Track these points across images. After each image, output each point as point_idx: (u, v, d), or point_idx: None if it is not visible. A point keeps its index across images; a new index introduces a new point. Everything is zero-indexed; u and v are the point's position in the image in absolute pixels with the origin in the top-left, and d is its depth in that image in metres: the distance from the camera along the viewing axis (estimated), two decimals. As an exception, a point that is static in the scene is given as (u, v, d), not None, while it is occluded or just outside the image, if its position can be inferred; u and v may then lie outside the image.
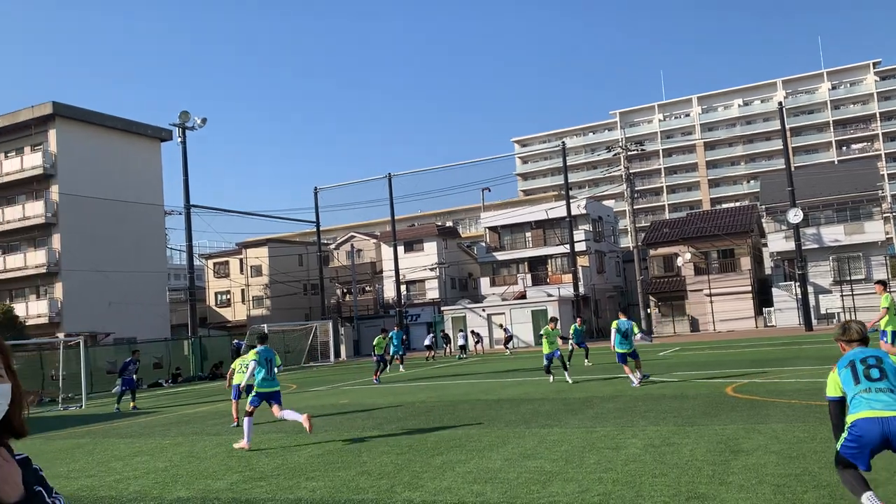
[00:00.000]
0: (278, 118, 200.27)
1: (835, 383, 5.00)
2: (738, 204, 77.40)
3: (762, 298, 48.94)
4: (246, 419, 11.10)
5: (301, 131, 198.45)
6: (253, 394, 11.24)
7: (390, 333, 29.68)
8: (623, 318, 17.51)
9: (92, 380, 29.10)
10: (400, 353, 28.11)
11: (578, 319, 25.89)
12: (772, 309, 46.56)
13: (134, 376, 22.34)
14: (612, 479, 7.09)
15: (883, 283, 14.63)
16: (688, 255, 49.56)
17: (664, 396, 13.65)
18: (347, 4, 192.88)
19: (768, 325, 46.23)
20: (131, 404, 21.71)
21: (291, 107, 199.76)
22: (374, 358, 23.85)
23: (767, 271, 51.97)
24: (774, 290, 46.62)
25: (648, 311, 50.40)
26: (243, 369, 13.89)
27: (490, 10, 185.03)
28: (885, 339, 14.28)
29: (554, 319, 20.09)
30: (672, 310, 50.84)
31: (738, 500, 6.01)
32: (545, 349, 18.77)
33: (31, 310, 45.57)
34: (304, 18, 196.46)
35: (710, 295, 48.44)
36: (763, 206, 48.83)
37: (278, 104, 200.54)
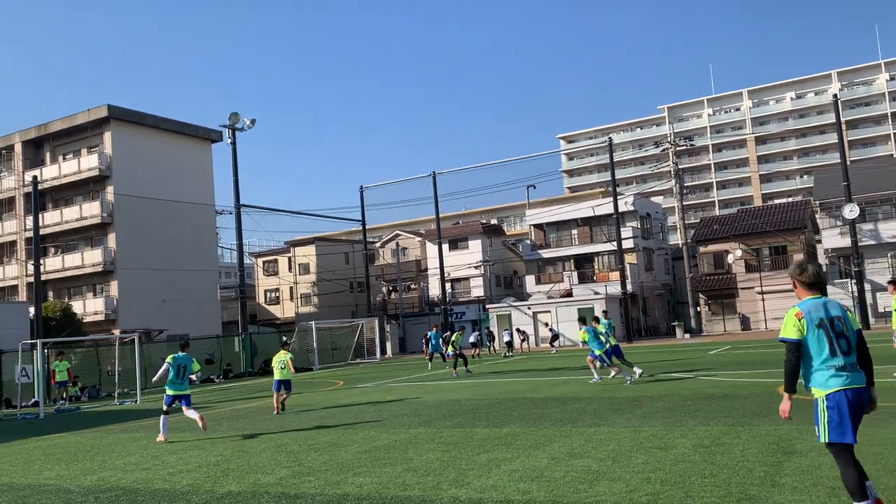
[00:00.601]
0: (325, 118, 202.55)
1: (796, 327, 4.77)
2: (790, 200, 75.64)
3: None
4: (162, 416, 12.93)
5: (347, 131, 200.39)
6: (166, 394, 13.18)
7: (429, 334, 30.38)
8: (603, 321, 18.96)
9: (146, 375, 29.87)
10: (439, 351, 28.59)
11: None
12: (826, 307, 45.30)
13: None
14: (660, 479, 7.01)
15: (895, 283, 14.41)
16: (739, 252, 48.56)
17: (714, 396, 13.42)
18: (393, 3, 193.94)
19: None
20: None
21: (338, 107, 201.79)
22: (448, 354, 26.31)
23: (822, 268, 50.60)
24: (829, 288, 45.37)
25: (698, 308, 49.55)
26: (280, 366, 16.27)
27: (535, 7, 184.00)
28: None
29: (596, 320, 19.85)
30: (722, 308, 49.89)
31: (791, 503, 5.88)
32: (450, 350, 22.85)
33: (89, 307, 46.96)
34: (349, 18, 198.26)
35: (762, 293, 47.39)
36: (817, 202, 47.55)
37: (325, 104, 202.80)
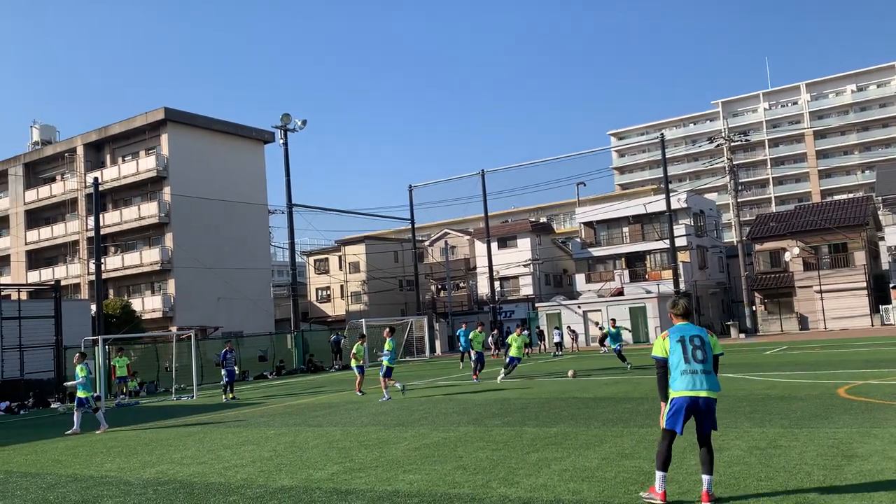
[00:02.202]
0: (375, 118, 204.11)
1: (662, 348, 6.03)
2: (851, 195, 73.26)
3: (878, 295, 46.06)
4: (76, 413, 15.39)
5: (396, 130, 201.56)
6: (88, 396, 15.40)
7: (458, 332, 29.29)
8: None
9: (202, 371, 30.56)
10: (468, 350, 27.36)
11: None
12: (889, 306, 43.77)
13: (235, 367, 23.44)
14: (714, 481, 6.87)
15: None
16: (796, 250, 47.25)
17: (770, 397, 13.10)
18: (446, 4, 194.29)
19: (885, 323, 43.52)
20: (230, 395, 22.65)
21: (387, 106, 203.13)
22: (473, 356, 22.84)
23: (885, 266, 48.90)
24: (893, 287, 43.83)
25: (753, 308, 48.42)
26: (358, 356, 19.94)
27: (588, 2, 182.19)
28: None
29: (363, 336, 22.09)
30: (779, 307, 48.65)
31: (852, 508, 5.72)
32: (514, 353, 20.59)
33: (147, 305, 48.32)
34: (400, 18, 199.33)
35: (821, 291, 46.05)
36: (879, 198, 45.99)
37: (375, 104, 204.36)
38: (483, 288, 57.67)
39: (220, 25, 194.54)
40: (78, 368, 15.60)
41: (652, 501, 6.00)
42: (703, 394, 5.81)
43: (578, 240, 56.10)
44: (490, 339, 39.46)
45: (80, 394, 15.50)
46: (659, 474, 5.97)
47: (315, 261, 67.93)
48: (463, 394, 18.08)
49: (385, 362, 18.21)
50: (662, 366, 6.03)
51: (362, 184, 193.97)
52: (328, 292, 66.46)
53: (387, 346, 18.49)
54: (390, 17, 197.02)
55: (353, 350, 20.49)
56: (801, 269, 47.48)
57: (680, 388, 5.88)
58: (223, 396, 22.60)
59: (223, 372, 23.29)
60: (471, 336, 23.46)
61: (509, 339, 21.55)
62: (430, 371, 30.04)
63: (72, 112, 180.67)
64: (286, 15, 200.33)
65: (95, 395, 15.95)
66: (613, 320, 27.46)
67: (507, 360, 21.19)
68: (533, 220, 66.51)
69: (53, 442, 14.37)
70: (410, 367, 35.61)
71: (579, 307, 48.15)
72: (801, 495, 6.17)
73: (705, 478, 5.92)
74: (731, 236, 66.35)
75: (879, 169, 52.19)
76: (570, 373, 19.74)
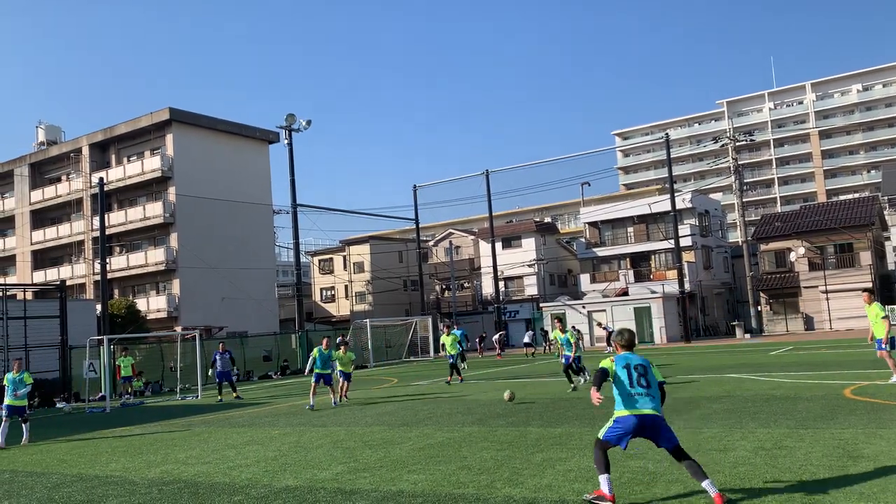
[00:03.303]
0: (379, 118, 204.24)
1: (609, 366, 6.67)
2: (856, 195, 73.06)
3: (885, 295, 45.90)
4: (3, 423, 13.96)
5: (400, 131, 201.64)
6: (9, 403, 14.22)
7: (453, 331, 28.25)
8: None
9: (207, 371, 30.60)
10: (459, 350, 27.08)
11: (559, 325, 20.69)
12: (896, 307, 43.68)
13: (231, 369, 23.35)
14: (719, 481, 6.85)
15: (870, 292, 14.58)
16: (802, 250, 47.14)
17: (775, 397, 13.07)
18: (442, 3, 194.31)
19: (892, 323, 43.33)
20: (233, 395, 22.64)
21: (391, 107, 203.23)
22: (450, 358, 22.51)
23: (891, 266, 48.76)
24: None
25: (759, 308, 48.30)
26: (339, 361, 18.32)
27: (590, 1, 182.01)
28: (885, 347, 13.81)
29: (448, 327, 20.78)
30: (784, 307, 48.53)
31: (858, 509, 5.69)
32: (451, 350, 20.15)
33: (152, 305, 48.40)
34: (404, 18, 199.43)
35: (826, 292, 45.92)
36: (885, 197, 45.87)
37: (378, 104, 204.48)
38: (487, 288, 57.65)
39: (221, 26, 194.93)
40: (25, 375, 14.48)
41: (602, 501, 6.32)
42: (647, 411, 6.35)
43: (583, 240, 56.04)
44: (495, 339, 39.43)
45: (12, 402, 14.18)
46: (603, 477, 6.36)
47: (319, 261, 67.99)
48: (467, 394, 18.07)
49: (317, 369, 17.55)
50: (604, 372, 6.62)
51: (366, 184, 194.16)
52: (332, 292, 66.51)
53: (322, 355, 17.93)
54: (391, 17, 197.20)
55: (334, 358, 18.35)
56: (807, 269, 47.36)
57: (624, 407, 6.44)
58: (219, 397, 22.60)
59: (211, 373, 23.45)
60: (446, 338, 23.06)
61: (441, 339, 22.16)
62: (434, 371, 30.03)
63: (77, 112, 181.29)
64: (288, 15, 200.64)
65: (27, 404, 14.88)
66: (559, 319, 21.66)
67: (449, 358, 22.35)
68: (537, 220, 66.48)
69: (58, 442, 14.41)
70: (415, 367, 35.60)
71: (584, 307, 48.11)
72: (807, 496, 6.15)
73: (705, 484, 6.09)
74: (736, 236, 66.16)
75: (885, 169, 52.06)
76: (505, 395, 15.01)
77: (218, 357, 23.17)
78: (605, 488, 6.32)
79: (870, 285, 44.71)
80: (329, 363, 17.84)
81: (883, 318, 14.11)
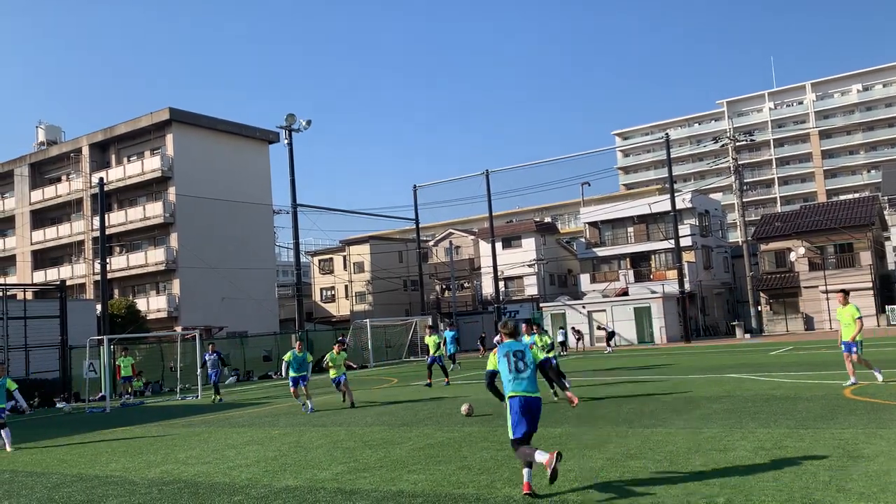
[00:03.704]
0: (379, 118, 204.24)
1: (492, 363, 7.40)
2: (856, 195, 73.05)
3: (885, 295, 45.91)
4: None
5: (400, 131, 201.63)
6: None
7: (445, 333, 27.35)
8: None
9: (198, 371, 30.58)
10: (451, 352, 26.78)
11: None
12: (896, 306, 43.69)
13: (218, 369, 23.21)
14: (719, 481, 6.86)
15: (846, 293, 14.56)
16: (801, 250, 47.14)
17: (775, 397, 13.07)
18: (442, 3, 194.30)
19: (891, 323, 43.39)
20: (216, 397, 22.56)
21: (391, 107, 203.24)
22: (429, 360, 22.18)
23: (891, 266, 48.76)
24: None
25: (759, 308, 48.31)
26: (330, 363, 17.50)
27: (589, 2, 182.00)
28: (856, 349, 13.77)
29: (341, 342, 18.62)
30: (784, 307, 48.54)
31: (858, 509, 5.69)
32: (332, 374, 17.50)
33: (152, 305, 48.39)
34: (404, 18, 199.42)
35: (826, 292, 45.90)
36: (885, 197, 45.88)
37: (378, 104, 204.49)
38: (487, 288, 57.65)
39: (221, 26, 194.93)
40: (7, 381, 13.70)
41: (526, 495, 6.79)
42: (530, 394, 7.12)
43: (583, 240, 56.05)
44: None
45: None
46: (525, 471, 6.95)
47: (320, 261, 67.98)
48: (467, 395, 18.06)
49: (293, 373, 17.09)
50: (491, 375, 7.46)
51: (366, 184, 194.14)
52: (333, 292, 66.51)
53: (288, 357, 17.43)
54: (391, 17, 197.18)
55: (328, 358, 17.76)
56: (807, 269, 47.36)
57: (511, 390, 7.14)
58: (217, 397, 22.53)
59: (201, 373, 23.41)
60: (434, 340, 22.42)
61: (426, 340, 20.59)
62: (436, 371, 29.98)
63: (77, 112, 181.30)
64: (288, 15, 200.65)
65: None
66: (529, 322, 17.72)
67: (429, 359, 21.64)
68: (537, 220, 66.48)
69: (58, 441, 14.41)
70: (415, 367, 35.60)
71: (584, 307, 48.12)
72: (807, 496, 6.14)
73: (526, 471, 6.85)
74: (736, 236, 66.14)
75: (885, 168, 52.08)
76: (463, 408, 13.45)
77: (207, 358, 23.15)
78: (526, 479, 6.93)
79: (869, 285, 44.75)
80: (305, 366, 17.20)
81: (857, 319, 14.02)
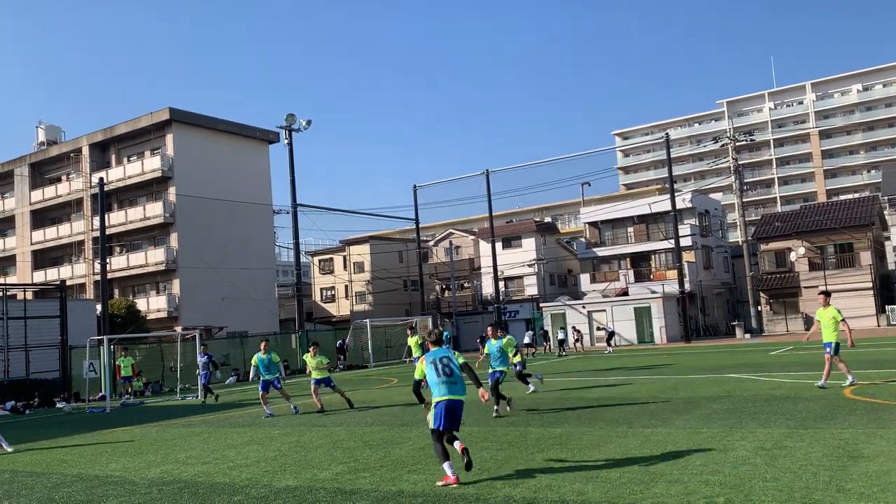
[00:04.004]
0: (379, 118, 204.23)
1: (421, 371, 8.64)
2: (856, 195, 73.05)
3: (885, 295, 45.89)
4: None
5: (400, 131, 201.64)
6: None
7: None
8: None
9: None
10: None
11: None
12: (896, 306, 43.68)
13: (209, 371, 23.16)
14: (719, 481, 6.86)
15: (827, 294, 14.62)
16: (802, 250, 47.15)
17: (775, 397, 13.07)
18: (442, 3, 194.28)
19: (891, 323, 43.39)
20: (202, 399, 22.52)
21: (391, 107, 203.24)
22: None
23: (891, 266, 48.75)
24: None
25: (759, 308, 48.31)
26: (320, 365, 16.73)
27: (589, 2, 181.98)
28: (829, 349, 13.77)
29: (315, 344, 17.50)
30: (784, 307, 48.53)
31: (858, 509, 5.69)
32: (314, 375, 16.72)
33: (152, 305, 48.38)
34: (404, 18, 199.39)
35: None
36: (885, 197, 45.88)
37: (378, 104, 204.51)
38: (487, 288, 57.65)
39: (221, 26, 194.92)
40: None
41: (448, 485, 7.47)
42: (454, 397, 7.93)
43: (583, 240, 56.04)
44: (527, 337, 39.31)
45: None
46: (446, 465, 7.64)
47: (320, 261, 67.97)
48: (466, 395, 18.05)
49: (263, 376, 16.64)
50: (417, 384, 9.13)
51: (366, 184, 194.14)
52: (333, 292, 66.50)
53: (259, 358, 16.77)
54: (391, 17, 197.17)
55: (313, 361, 16.76)
56: (807, 269, 47.36)
57: (438, 395, 7.96)
58: (213, 395, 22.53)
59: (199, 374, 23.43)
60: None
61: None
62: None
63: (77, 112, 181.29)
64: (288, 15, 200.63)
65: None
66: (494, 325, 16.42)
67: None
68: (537, 219, 66.46)
69: (58, 441, 14.41)
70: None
71: (584, 307, 48.12)
72: (807, 496, 6.14)
73: (457, 444, 7.75)
74: (736, 236, 66.15)
75: (885, 168, 52.08)
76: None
77: (199, 359, 23.17)
78: (448, 473, 7.57)
79: (869, 285, 44.75)
80: (273, 367, 16.66)
81: (841, 321, 13.98)
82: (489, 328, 15.25)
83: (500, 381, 13.75)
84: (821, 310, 14.35)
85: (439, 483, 7.58)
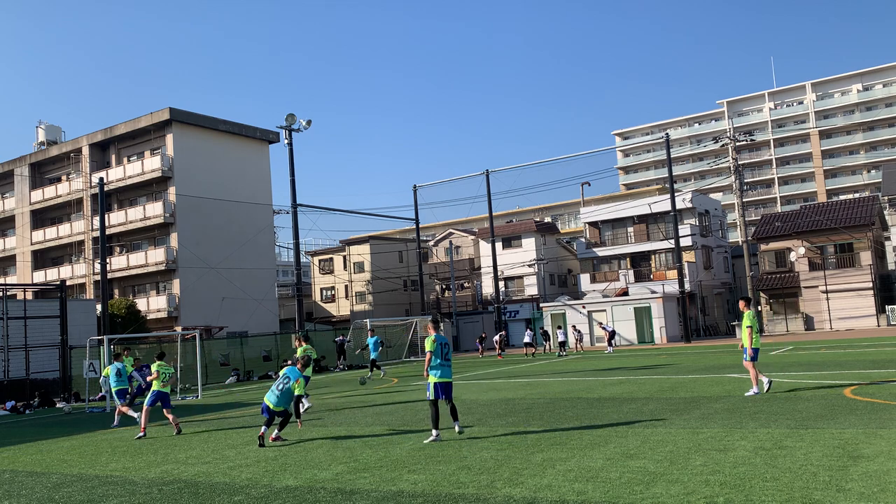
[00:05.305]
0: (380, 118, 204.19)
1: (432, 345, 10.67)
2: (857, 195, 73.06)
3: (885, 295, 45.87)
4: None
5: (400, 131, 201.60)
6: None
7: (367, 340, 27.32)
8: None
9: (207, 371, 30.62)
10: (374, 357, 26.49)
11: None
12: (896, 306, 43.67)
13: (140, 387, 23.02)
14: (719, 481, 6.86)
15: (747, 300, 14.32)
16: (802, 250, 47.15)
17: (776, 397, 13.07)
18: (442, 3, 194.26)
19: (891, 323, 43.39)
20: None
21: (392, 107, 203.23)
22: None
23: (891, 266, 48.74)
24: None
25: (759, 308, 48.29)
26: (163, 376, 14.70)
27: (591, 2, 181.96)
28: (745, 355, 13.69)
29: (372, 331, 16.93)
30: (784, 307, 48.53)
31: (858, 509, 5.69)
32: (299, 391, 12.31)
33: (152, 305, 48.37)
34: (403, 18, 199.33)
35: (827, 292, 45.92)
36: (885, 197, 45.84)
37: (379, 104, 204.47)
38: (487, 288, 57.66)
39: (222, 26, 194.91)
40: None
41: (435, 441, 10.21)
42: (448, 379, 10.68)
43: (583, 240, 56.04)
44: (496, 339, 39.43)
45: None
46: (434, 432, 10.38)
47: (320, 261, 67.98)
48: (467, 395, 18.07)
49: (115, 386, 16.05)
50: (433, 352, 10.67)
51: (367, 184, 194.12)
52: (333, 292, 66.51)
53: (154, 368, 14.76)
54: (391, 17, 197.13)
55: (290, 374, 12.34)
56: (807, 269, 47.35)
57: (437, 376, 10.56)
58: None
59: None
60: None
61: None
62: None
63: (77, 112, 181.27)
64: (288, 15, 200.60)
65: None
66: (372, 330, 16.49)
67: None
68: (538, 219, 66.47)
69: (59, 441, 14.41)
70: (415, 366, 35.61)
71: (584, 307, 48.10)
72: (807, 496, 6.14)
73: (456, 424, 10.93)
74: (736, 236, 66.22)
75: (885, 168, 52.05)
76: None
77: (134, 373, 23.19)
78: (434, 433, 10.39)
79: (869, 285, 44.74)
80: (127, 376, 16.01)
81: (748, 327, 13.85)
82: (295, 338, 14.66)
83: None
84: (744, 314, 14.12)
85: (426, 441, 10.14)
